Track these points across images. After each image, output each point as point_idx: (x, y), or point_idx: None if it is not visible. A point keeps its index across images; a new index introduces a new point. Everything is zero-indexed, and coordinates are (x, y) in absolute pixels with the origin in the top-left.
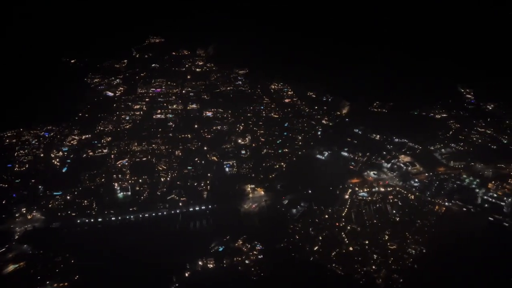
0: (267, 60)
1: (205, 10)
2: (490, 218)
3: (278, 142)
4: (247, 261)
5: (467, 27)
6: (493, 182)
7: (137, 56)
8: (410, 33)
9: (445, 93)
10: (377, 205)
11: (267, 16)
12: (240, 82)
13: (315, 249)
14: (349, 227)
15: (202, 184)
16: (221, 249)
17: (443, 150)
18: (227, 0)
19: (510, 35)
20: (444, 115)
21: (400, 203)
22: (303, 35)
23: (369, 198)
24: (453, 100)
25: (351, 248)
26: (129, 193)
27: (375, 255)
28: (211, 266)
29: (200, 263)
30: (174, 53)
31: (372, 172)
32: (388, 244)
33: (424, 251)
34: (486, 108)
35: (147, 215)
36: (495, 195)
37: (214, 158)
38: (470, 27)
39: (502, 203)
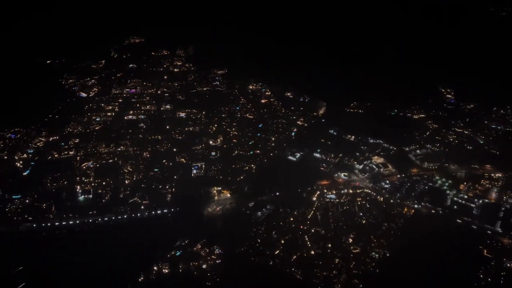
0: (246, 61)
1: (187, 10)
2: (458, 221)
3: (250, 143)
4: (204, 266)
5: (450, 28)
6: (465, 183)
7: (115, 56)
8: (390, 34)
9: (426, 93)
10: (345, 208)
11: (248, 17)
12: (218, 83)
13: (276, 253)
14: (313, 230)
15: (167, 187)
16: (178, 253)
17: (418, 151)
18: (208, 2)
19: (492, 37)
20: (422, 115)
21: (368, 206)
22: (283, 36)
23: (337, 200)
24: (433, 100)
25: (312, 252)
26: (91, 196)
27: (337, 259)
28: (166, 271)
29: (155, 268)
30: (153, 53)
31: (342, 174)
32: (352, 247)
33: (387, 255)
34: (465, 108)
35: (106, 218)
36: (465, 196)
37: (183, 160)
38: (452, 28)
39: (472, 205)
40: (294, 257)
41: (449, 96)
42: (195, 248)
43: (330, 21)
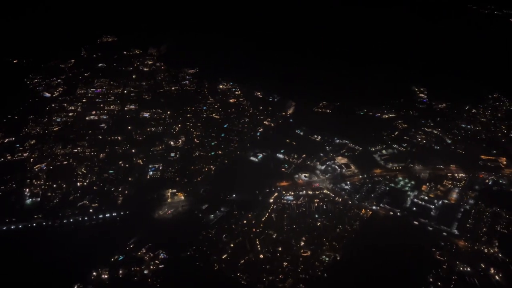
0: (219, 60)
1: (160, 10)
2: (415, 222)
3: (212, 144)
4: (145, 271)
5: (426, 27)
6: (427, 184)
7: (85, 55)
8: (363, 33)
9: (398, 92)
10: (302, 209)
11: (222, 17)
12: (187, 82)
13: (223, 257)
14: (265, 233)
15: (120, 189)
16: (121, 258)
17: (384, 151)
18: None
19: (469, 35)
20: (392, 115)
21: (325, 207)
22: (256, 36)
23: (294, 202)
24: (405, 99)
25: (261, 256)
26: (39, 199)
27: (285, 263)
28: (105, 276)
29: (94, 273)
30: (125, 52)
31: (303, 175)
32: (302, 251)
33: (338, 258)
34: (437, 107)
35: (50, 222)
36: (426, 197)
37: (140, 161)
38: (429, 27)
39: (431, 206)
40: (242, 261)
41: (422, 95)
42: (139, 253)
43: (301, 20)
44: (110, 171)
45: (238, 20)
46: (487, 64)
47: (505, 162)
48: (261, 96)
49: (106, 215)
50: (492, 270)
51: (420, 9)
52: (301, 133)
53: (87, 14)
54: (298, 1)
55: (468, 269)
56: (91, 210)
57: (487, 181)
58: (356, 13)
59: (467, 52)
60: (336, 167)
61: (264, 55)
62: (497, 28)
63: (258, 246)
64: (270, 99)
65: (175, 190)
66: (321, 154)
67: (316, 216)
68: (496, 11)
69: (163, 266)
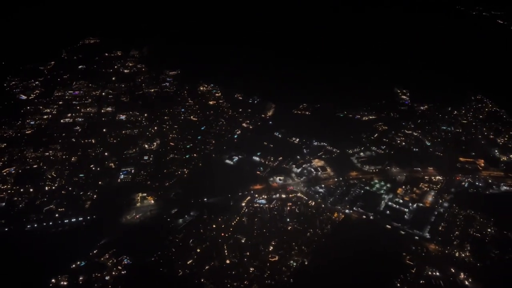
0: (201, 62)
1: (143, 11)
2: (387, 226)
3: (188, 146)
4: (107, 278)
5: (411, 27)
6: (403, 187)
7: (66, 57)
8: (345, 33)
9: (380, 94)
10: (274, 213)
11: (205, 19)
12: (167, 84)
13: (188, 262)
14: (234, 238)
15: (89, 193)
16: (82, 264)
17: (362, 153)
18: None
19: (453, 37)
20: (373, 117)
21: (297, 211)
22: (239, 37)
23: (267, 205)
24: (387, 101)
25: (228, 261)
26: (4, 204)
27: (251, 269)
28: (64, 283)
29: (53, 280)
30: (106, 54)
31: (278, 178)
32: (270, 256)
33: (306, 263)
34: (419, 109)
35: (12, 227)
36: (401, 201)
37: (112, 164)
38: (414, 28)
39: (405, 210)
40: (207, 267)
41: (404, 97)
42: (102, 258)
43: (283, 22)
44: (81, 175)
45: (222, 22)
46: (473, 65)
47: (482, 164)
48: (241, 98)
49: (72, 220)
50: (462, 275)
51: (407, 10)
52: (280, 136)
53: (69, 16)
54: (279, 3)
55: (437, 273)
56: (56, 215)
57: (463, 183)
58: (339, 14)
59: (453, 53)
60: (312, 170)
61: (247, 56)
62: (485, 29)
63: (225, 251)
64: (250, 101)
65: (145, 194)
66: (298, 156)
67: (288, 220)
68: (484, 13)
69: (125, 272)
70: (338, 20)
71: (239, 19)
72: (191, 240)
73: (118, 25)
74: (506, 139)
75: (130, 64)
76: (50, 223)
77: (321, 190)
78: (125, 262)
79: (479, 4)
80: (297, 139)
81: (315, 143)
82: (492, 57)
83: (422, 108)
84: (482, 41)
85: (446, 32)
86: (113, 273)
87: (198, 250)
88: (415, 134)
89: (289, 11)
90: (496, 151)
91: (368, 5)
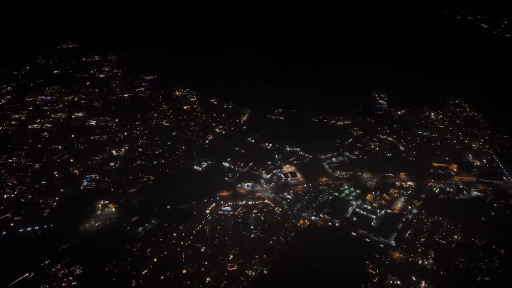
0: (178, 66)
1: (124, 16)
2: (353, 234)
3: (156, 152)
4: None
5: (389, 30)
6: (373, 193)
7: (42, 62)
8: (324, 36)
9: (358, 98)
10: (238, 220)
11: (183, 24)
12: (142, 88)
13: (143, 273)
14: (193, 246)
15: (49, 201)
16: (31, 275)
17: (334, 159)
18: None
19: (433, 39)
20: (348, 121)
21: (262, 218)
22: (217, 42)
23: (231, 212)
24: (364, 106)
25: (184, 271)
26: None
27: (208, 279)
28: None
29: None
30: (84, 59)
31: (246, 184)
32: (229, 265)
33: (265, 272)
34: (396, 114)
35: None
36: (369, 207)
37: (76, 171)
38: (392, 30)
39: (373, 216)
40: (162, 277)
41: (381, 101)
42: (53, 269)
43: (262, 26)
44: (43, 182)
45: (202, 27)
46: (455, 69)
47: (455, 169)
48: (216, 103)
49: (28, 229)
50: (423, 283)
51: (391, 13)
52: (252, 141)
53: (47, 21)
54: (256, 7)
55: (398, 282)
56: (12, 224)
57: (434, 189)
58: (316, 16)
59: (435, 57)
60: (282, 175)
61: (225, 61)
62: (469, 33)
63: (183, 261)
64: (225, 106)
65: (107, 202)
66: (269, 162)
67: (252, 227)
68: (469, 17)
69: (76, 283)
70: (316, 24)
71: (218, 24)
72: (148, 249)
73: (97, 29)
74: (480, 143)
75: (107, 69)
76: (4, 232)
77: (289, 196)
78: (77, 273)
79: (465, 8)
80: (270, 145)
81: (288, 149)
82: (475, 61)
83: (399, 112)
84: (466, 45)
85: (430, 36)
86: (63, 284)
87: (155, 260)
88: (389, 139)
89: (267, 15)
90: (470, 156)
91: (350, 9)
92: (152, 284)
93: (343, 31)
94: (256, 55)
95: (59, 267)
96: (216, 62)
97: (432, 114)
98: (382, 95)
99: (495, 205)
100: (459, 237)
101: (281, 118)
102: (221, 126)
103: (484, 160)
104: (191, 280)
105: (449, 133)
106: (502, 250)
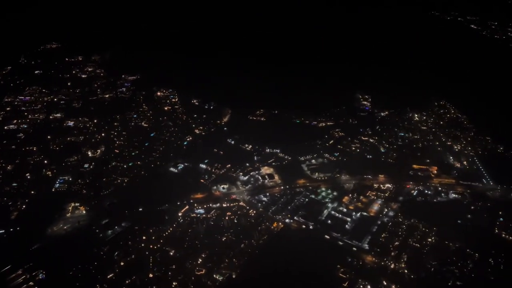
0: (162, 66)
1: (108, 15)
2: (326, 236)
3: (132, 154)
4: None
5: (374, 32)
6: (350, 195)
7: (24, 62)
8: (307, 36)
9: (341, 99)
10: (210, 223)
11: (170, 23)
12: (124, 89)
13: (108, 277)
14: (163, 250)
15: (18, 204)
16: None
17: (313, 161)
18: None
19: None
20: (330, 123)
21: (235, 221)
22: (201, 42)
23: (204, 215)
24: (347, 107)
25: (151, 275)
26: None
27: (174, 283)
28: None
29: None
30: (67, 59)
31: (221, 186)
32: (197, 269)
33: (233, 276)
34: (379, 115)
35: None
36: (345, 210)
37: (49, 173)
38: (377, 32)
39: (348, 219)
40: (127, 281)
41: (365, 103)
42: (14, 275)
43: (244, 26)
44: (14, 184)
45: (186, 27)
46: (442, 70)
47: (435, 172)
48: (197, 103)
49: None
50: None
51: (380, 13)
52: (232, 142)
53: (30, 21)
54: (240, 8)
55: (369, 286)
56: None
57: (412, 191)
58: (301, 17)
59: (424, 58)
60: (259, 177)
61: (208, 61)
62: (458, 35)
63: (151, 265)
64: (206, 107)
65: (78, 204)
66: (247, 164)
67: (224, 230)
68: (459, 18)
69: None
70: (300, 25)
71: (202, 26)
72: (116, 253)
73: (81, 29)
74: (462, 145)
75: (89, 69)
76: None
77: (264, 198)
78: (40, 277)
79: (455, 9)
80: (250, 146)
81: (268, 150)
82: (463, 62)
83: (382, 114)
84: (455, 46)
85: (419, 37)
86: None
87: (122, 264)
88: (371, 140)
89: (250, 16)
90: (451, 158)
91: (334, 10)
92: None
93: (328, 32)
94: (240, 56)
95: (20, 272)
96: (201, 62)
97: (416, 115)
98: (366, 96)
99: (472, 207)
100: (433, 240)
101: (262, 119)
102: (201, 127)
103: (465, 162)
104: (157, 285)
105: (431, 135)
106: (476, 254)
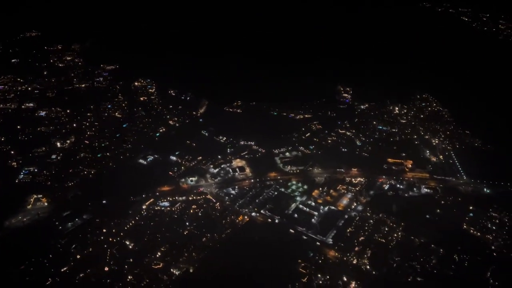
0: (142, 56)
1: (90, 4)
2: (291, 231)
3: (102, 145)
4: None
5: (365, 26)
6: (320, 189)
7: (1, 50)
8: (287, 27)
9: (323, 92)
10: (174, 217)
11: (152, 12)
12: (101, 79)
13: (62, 270)
14: (121, 243)
15: None
16: None
17: (287, 154)
18: None
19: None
20: (308, 115)
21: (200, 214)
22: (184, 34)
23: (169, 208)
24: (327, 99)
25: (106, 268)
26: None
27: (130, 277)
28: None
29: None
30: (46, 47)
31: (190, 179)
32: (154, 263)
33: (190, 271)
34: (358, 108)
35: None
36: (313, 204)
37: (15, 164)
38: (361, 24)
39: (315, 213)
40: (81, 275)
41: (345, 95)
42: None
43: (225, 17)
44: None
45: (167, 17)
46: (428, 64)
47: (410, 166)
48: (174, 94)
49: None
50: (352, 284)
51: (366, 5)
52: (206, 134)
53: (11, 8)
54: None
55: (328, 282)
56: None
57: (384, 185)
58: (283, 9)
59: (410, 50)
60: (230, 170)
61: (189, 52)
62: (449, 26)
63: (107, 258)
64: (183, 98)
65: (40, 196)
66: (219, 156)
67: (187, 223)
68: (451, 9)
69: None
70: (285, 16)
71: (185, 16)
72: (73, 246)
73: (62, 18)
74: (441, 139)
75: (68, 58)
76: None
77: (233, 192)
78: None
79: (447, 1)
80: (224, 138)
81: (242, 142)
82: (451, 55)
83: (362, 107)
84: (444, 39)
85: (408, 29)
86: None
87: (78, 257)
88: (348, 133)
89: (228, 5)
90: (428, 152)
91: (318, 2)
92: (68, 282)
93: (312, 25)
94: (221, 48)
95: None
96: (181, 53)
97: (396, 108)
98: (348, 89)
99: (442, 202)
100: (400, 236)
101: (239, 111)
102: (176, 119)
103: (441, 156)
104: (111, 279)
105: (410, 128)
106: (441, 249)
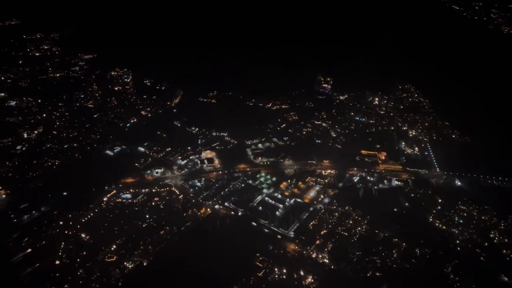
0: (121, 46)
1: None
2: (253, 224)
3: (70, 135)
4: None
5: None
6: (289, 181)
7: None
8: (270, 14)
9: (301, 82)
10: (134, 209)
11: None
12: (77, 68)
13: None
14: (77, 236)
15: None
16: None
17: (260, 145)
18: None
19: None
20: (286, 106)
21: (162, 207)
22: (164, 24)
23: (130, 200)
24: (306, 90)
25: (58, 262)
26: None
27: (81, 270)
28: None
29: None
30: (24, 36)
31: (155, 171)
32: (108, 255)
33: (144, 264)
34: (337, 99)
35: None
36: (279, 196)
37: None
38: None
39: (280, 206)
40: (29, 269)
41: (325, 85)
42: None
43: (202, 6)
44: None
45: (150, 6)
46: (414, 53)
47: (383, 158)
48: (149, 84)
49: None
50: (309, 279)
51: None
52: (178, 125)
53: None
54: None
55: (284, 277)
56: None
57: (354, 178)
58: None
59: (397, 39)
60: (198, 162)
61: (167, 41)
62: (438, 15)
63: (60, 251)
64: (158, 87)
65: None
66: (189, 147)
67: (147, 216)
68: None
69: None
70: (264, 4)
71: (162, 4)
72: (25, 239)
73: (43, 6)
74: (418, 131)
75: (46, 47)
76: None
77: (199, 184)
78: None
79: None
80: (196, 129)
81: (214, 134)
82: (439, 44)
83: (341, 97)
84: (433, 27)
85: (396, 17)
86: None
87: (29, 250)
88: (324, 125)
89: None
90: (403, 143)
91: None
92: (15, 276)
93: (292, 11)
94: (198, 36)
95: None
96: (160, 42)
97: (376, 99)
98: (328, 79)
99: (412, 195)
100: (364, 229)
101: (213, 101)
102: (149, 109)
103: (416, 148)
104: (61, 272)
105: (387, 119)
106: (404, 243)
